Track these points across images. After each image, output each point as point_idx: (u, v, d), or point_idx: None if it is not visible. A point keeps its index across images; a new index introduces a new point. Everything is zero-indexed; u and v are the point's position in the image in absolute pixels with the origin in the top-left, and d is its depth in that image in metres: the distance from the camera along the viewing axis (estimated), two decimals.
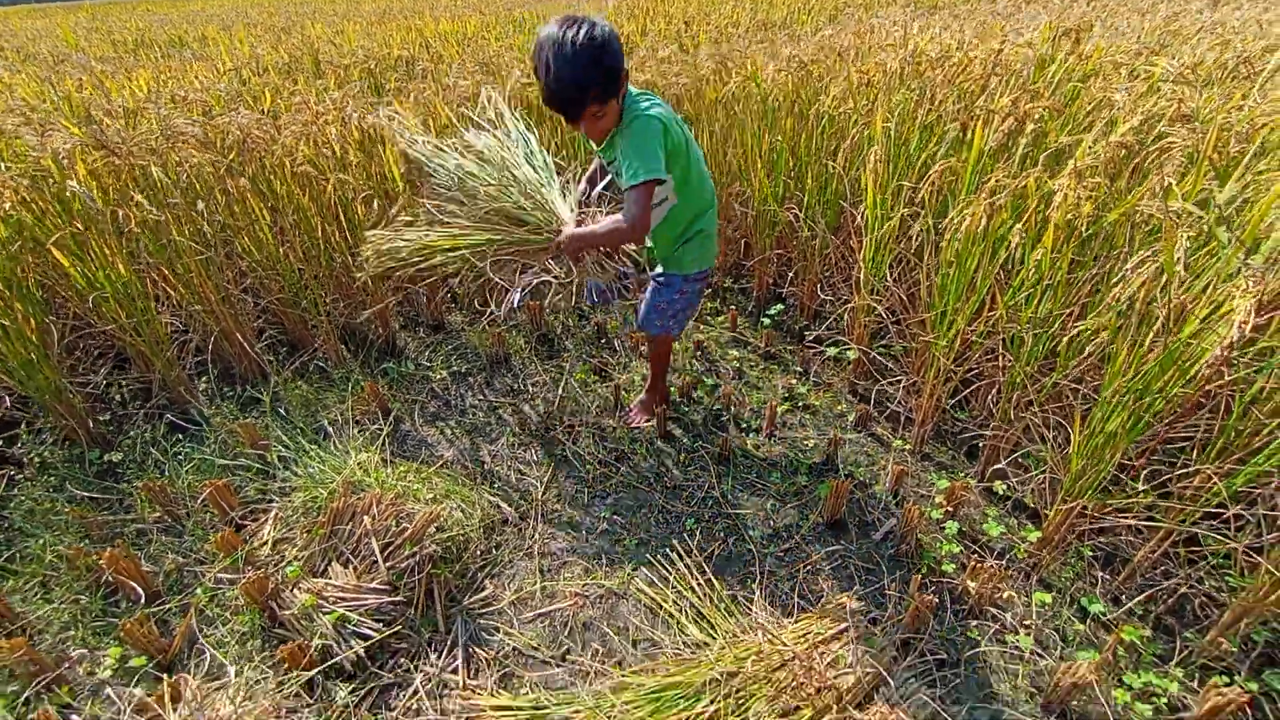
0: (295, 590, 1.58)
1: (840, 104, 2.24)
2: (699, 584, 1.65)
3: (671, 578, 1.68)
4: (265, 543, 1.69)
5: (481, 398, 2.30)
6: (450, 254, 1.72)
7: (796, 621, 1.53)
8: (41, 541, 1.72)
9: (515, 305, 1.74)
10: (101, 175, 1.95)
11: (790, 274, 2.65)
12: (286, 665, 1.45)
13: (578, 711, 1.38)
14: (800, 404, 2.25)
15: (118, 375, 2.29)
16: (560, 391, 2.29)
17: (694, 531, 1.81)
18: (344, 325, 2.47)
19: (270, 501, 1.84)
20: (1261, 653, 1.42)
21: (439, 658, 1.51)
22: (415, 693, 1.45)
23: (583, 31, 1.41)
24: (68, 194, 1.82)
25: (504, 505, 1.90)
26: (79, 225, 1.86)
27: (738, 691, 1.34)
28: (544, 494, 1.94)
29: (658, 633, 1.55)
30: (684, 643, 1.51)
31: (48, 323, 1.90)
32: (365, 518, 1.64)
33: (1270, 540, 1.30)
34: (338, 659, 1.47)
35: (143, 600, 1.57)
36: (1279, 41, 2.40)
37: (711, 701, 1.32)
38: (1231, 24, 3.05)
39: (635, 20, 6.28)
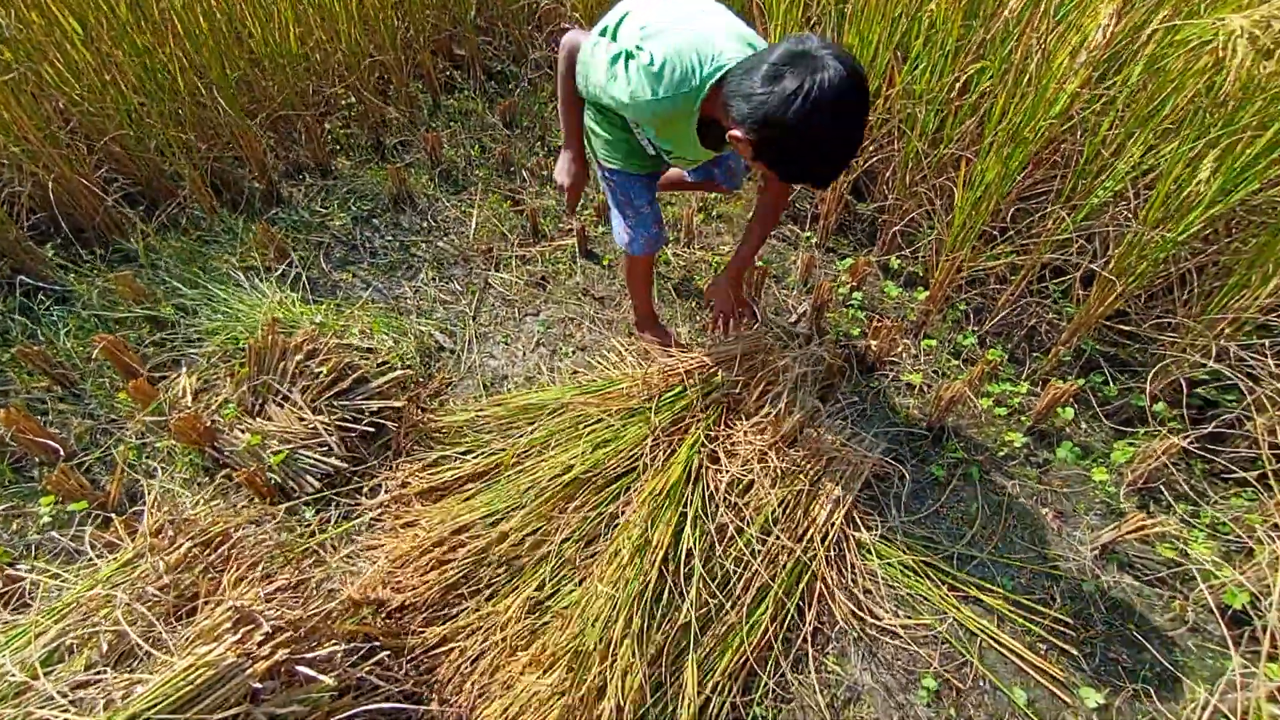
0: (236, 433, 1.54)
1: None
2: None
3: (616, 374, 1.79)
4: (185, 392, 1.60)
5: (391, 238, 2.18)
6: None
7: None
8: None
9: None
10: None
11: None
12: (247, 490, 1.45)
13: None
14: (714, 214, 2.32)
15: None
16: (474, 224, 2.22)
17: (629, 332, 1.91)
18: (211, 172, 2.17)
19: (176, 355, 1.71)
20: (1088, 360, 1.79)
21: (402, 465, 1.57)
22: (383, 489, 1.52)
23: (843, 61, 0.97)
24: None
25: (436, 333, 1.89)
26: None
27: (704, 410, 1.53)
28: (475, 319, 1.95)
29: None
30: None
31: None
32: (297, 356, 1.58)
33: (1101, 264, 1.59)
34: (304, 496, 1.50)
35: (61, 457, 1.47)
36: None
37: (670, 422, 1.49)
38: None
39: None
